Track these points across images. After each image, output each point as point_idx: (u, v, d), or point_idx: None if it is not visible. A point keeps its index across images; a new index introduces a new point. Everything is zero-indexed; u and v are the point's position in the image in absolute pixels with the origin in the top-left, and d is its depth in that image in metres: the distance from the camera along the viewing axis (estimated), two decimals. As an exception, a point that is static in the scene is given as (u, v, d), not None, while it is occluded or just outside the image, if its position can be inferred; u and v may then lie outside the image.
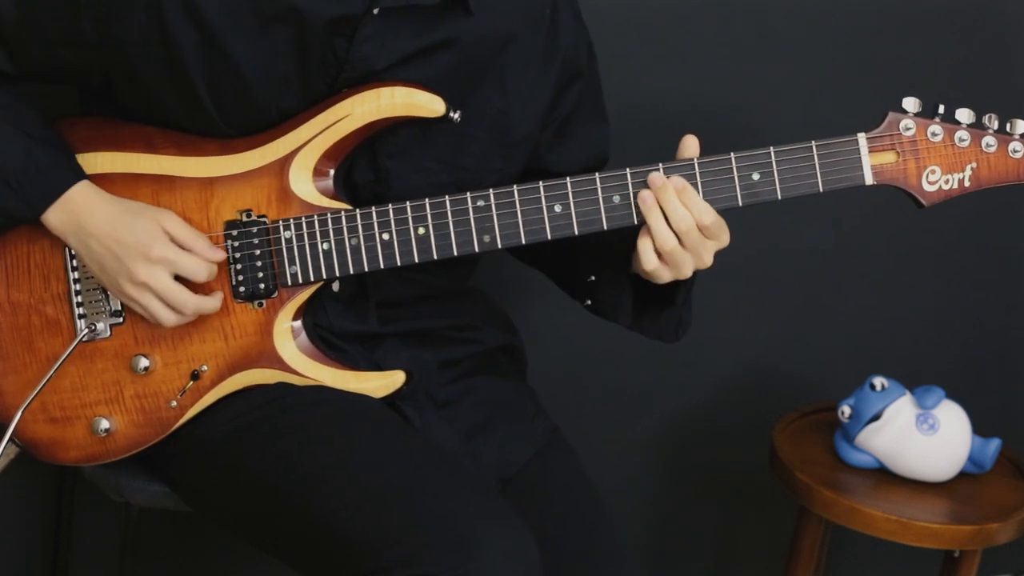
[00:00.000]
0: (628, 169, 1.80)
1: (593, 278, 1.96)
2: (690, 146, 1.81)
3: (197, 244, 1.80)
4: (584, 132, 1.97)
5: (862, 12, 2.50)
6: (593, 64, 1.98)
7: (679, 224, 1.78)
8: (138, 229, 1.78)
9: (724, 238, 1.82)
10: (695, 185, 1.79)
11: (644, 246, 1.80)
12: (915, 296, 2.72)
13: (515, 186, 1.80)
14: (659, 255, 1.80)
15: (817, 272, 2.65)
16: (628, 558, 1.86)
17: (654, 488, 2.73)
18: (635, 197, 1.79)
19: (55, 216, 1.80)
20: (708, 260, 1.82)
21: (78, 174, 1.81)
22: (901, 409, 2.33)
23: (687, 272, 1.82)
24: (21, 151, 1.79)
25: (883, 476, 2.34)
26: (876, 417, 2.32)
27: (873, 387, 2.34)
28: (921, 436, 2.31)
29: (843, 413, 2.35)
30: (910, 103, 1.80)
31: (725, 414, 2.69)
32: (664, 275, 1.82)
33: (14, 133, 1.80)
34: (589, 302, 1.99)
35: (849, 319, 2.69)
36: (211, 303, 1.82)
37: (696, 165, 1.79)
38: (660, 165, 1.79)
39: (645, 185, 1.79)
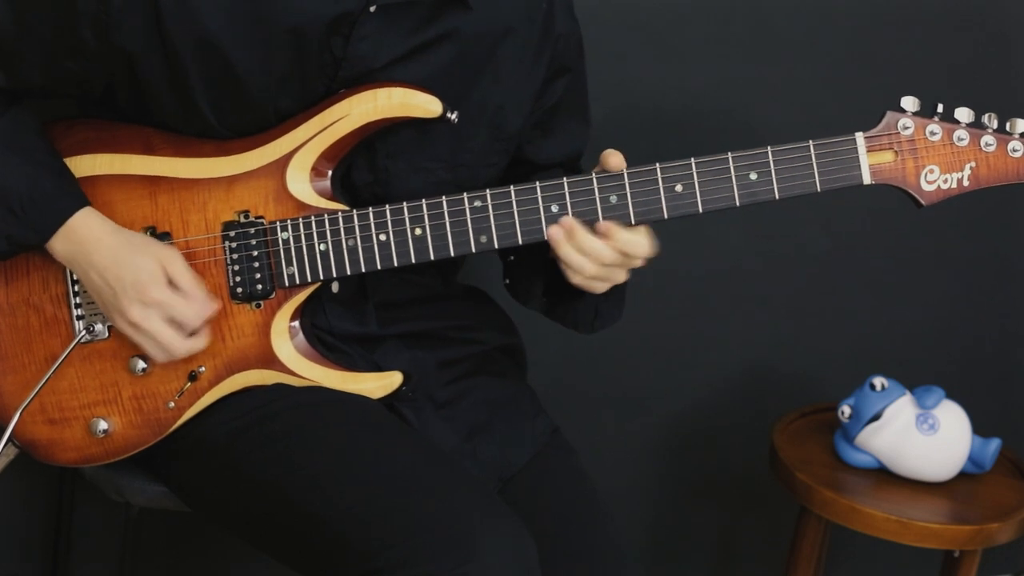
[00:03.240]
0: (624, 169, 1.80)
1: (512, 258, 1.97)
2: (612, 161, 1.81)
3: (196, 293, 1.80)
4: (566, 128, 1.98)
5: (861, 12, 2.50)
6: (581, 62, 1.98)
7: (603, 259, 1.79)
8: (139, 268, 1.78)
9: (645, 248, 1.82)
10: (691, 185, 1.79)
11: (568, 272, 1.81)
12: (915, 296, 2.72)
13: (512, 186, 1.80)
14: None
15: (817, 272, 2.65)
16: (628, 558, 1.86)
17: (654, 488, 2.73)
18: (631, 198, 1.79)
19: (60, 244, 1.80)
20: (639, 262, 1.83)
21: (81, 201, 1.81)
22: (901, 409, 2.33)
23: (622, 278, 1.83)
24: (25, 178, 1.79)
25: (883, 476, 2.34)
26: (876, 417, 2.32)
27: (873, 387, 2.33)
28: (921, 436, 2.31)
29: (843, 413, 2.34)
30: (908, 102, 1.80)
31: (725, 414, 2.69)
32: (599, 287, 1.83)
33: (17, 159, 1.80)
34: (507, 281, 2.00)
35: (849, 319, 2.69)
36: (199, 343, 1.82)
37: (693, 165, 1.79)
38: (657, 165, 1.79)
39: (642, 185, 1.79)
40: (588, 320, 1.95)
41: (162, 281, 1.78)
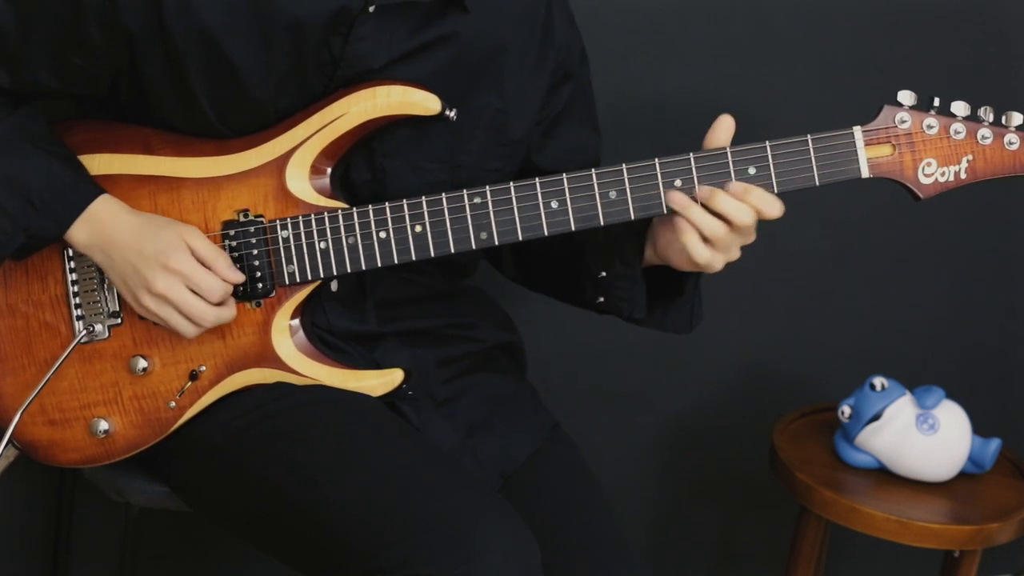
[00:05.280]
0: (624, 165, 1.79)
1: (604, 274, 1.95)
2: (724, 127, 1.82)
3: (218, 262, 1.80)
4: (572, 136, 1.97)
5: (861, 12, 2.50)
6: (584, 69, 1.98)
7: (741, 220, 1.78)
8: (160, 239, 1.78)
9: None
10: (690, 180, 1.79)
11: (690, 240, 1.79)
12: (915, 296, 2.72)
13: (511, 183, 1.80)
14: (707, 242, 1.80)
15: (817, 272, 2.65)
16: (631, 553, 1.86)
17: (654, 488, 2.73)
18: (630, 193, 1.79)
19: (81, 231, 1.80)
20: (753, 235, 1.83)
21: (99, 188, 1.82)
22: (901, 409, 2.33)
23: (736, 253, 1.83)
24: (43, 169, 1.79)
25: (883, 476, 2.34)
26: (876, 417, 2.32)
27: (873, 387, 2.34)
28: (921, 436, 2.31)
29: (843, 413, 2.34)
30: (906, 96, 1.80)
31: (725, 414, 2.69)
32: (718, 262, 1.81)
33: (32, 151, 1.80)
34: (601, 299, 1.97)
35: (849, 319, 2.69)
36: (228, 313, 1.82)
37: (692, 160, 1.79)
38: (656, 160, 1.79)
39: (641, 180, 1.79)
40: (687, 319, 1.96)
41: (185, 251, 1.78)
